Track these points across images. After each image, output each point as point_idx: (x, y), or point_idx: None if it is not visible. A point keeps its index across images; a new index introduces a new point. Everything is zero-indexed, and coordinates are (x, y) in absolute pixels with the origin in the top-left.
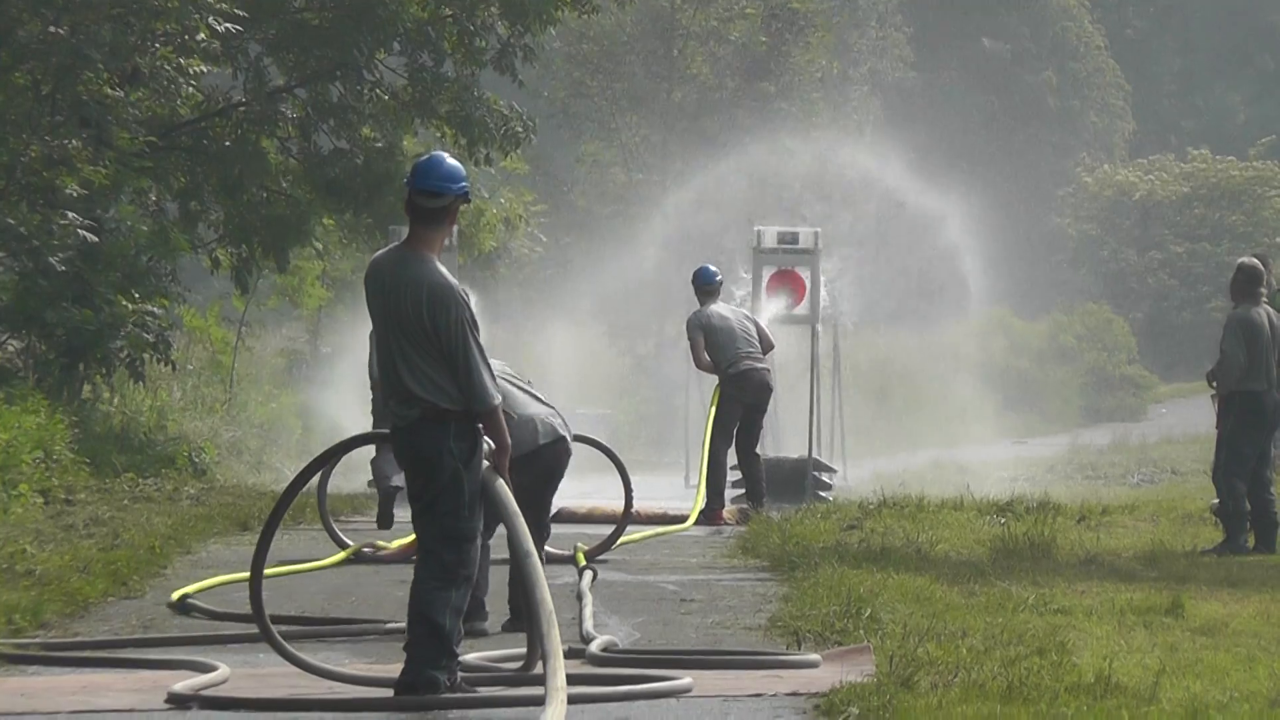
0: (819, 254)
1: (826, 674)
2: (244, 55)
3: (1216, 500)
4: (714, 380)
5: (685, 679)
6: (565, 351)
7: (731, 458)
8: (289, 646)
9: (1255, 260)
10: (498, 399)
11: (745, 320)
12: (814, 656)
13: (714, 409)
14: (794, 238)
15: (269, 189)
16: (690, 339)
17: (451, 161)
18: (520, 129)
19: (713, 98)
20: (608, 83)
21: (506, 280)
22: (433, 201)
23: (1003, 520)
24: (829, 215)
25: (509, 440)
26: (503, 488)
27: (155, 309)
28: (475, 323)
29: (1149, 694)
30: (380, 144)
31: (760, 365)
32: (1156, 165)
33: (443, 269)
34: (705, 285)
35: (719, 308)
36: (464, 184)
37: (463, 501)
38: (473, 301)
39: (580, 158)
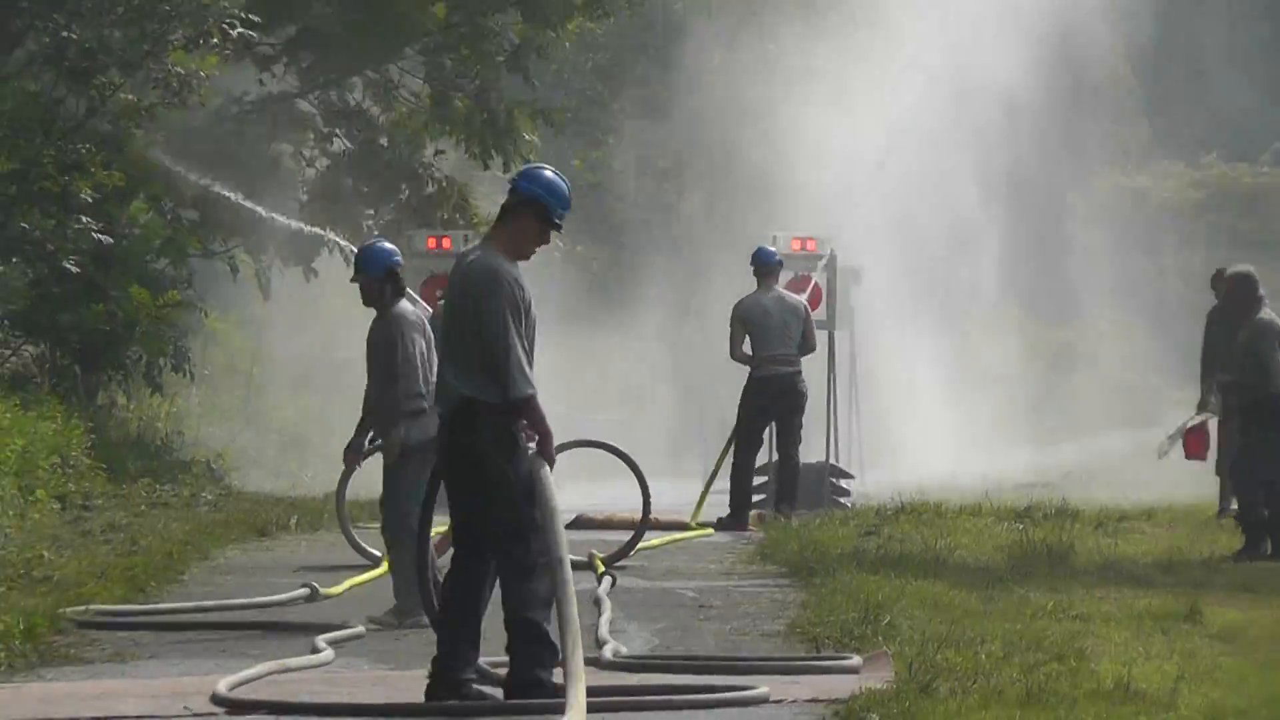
0: (835, 259)
1: (846, 681)
2: (260, 59)
3: (1234, 506)
4: (735, 382)
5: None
6: (582, 357)
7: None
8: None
9: (1248, 268)
10: (531, 390)
11: (790, 316)
12: (855, 660)
13: (740, 411)
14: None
15: (287, 195)
16: (731, 328)
17: (549, 172)
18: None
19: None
20: (619, 88)
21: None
22: (510, 198)
23: (1020, 526)
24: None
25: (549, 426)
26: (547, 479)
27: (173, 316)
28: (521, 313)
29: (1168, 700)
30: (394, 151)
31: (786, 369)
32: (1169, 171)
33: (500, 259)
34: (763, 266)
35: (766, 300)
36: (543, 191)
37: (514, 493)
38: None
39: (593, 165)
